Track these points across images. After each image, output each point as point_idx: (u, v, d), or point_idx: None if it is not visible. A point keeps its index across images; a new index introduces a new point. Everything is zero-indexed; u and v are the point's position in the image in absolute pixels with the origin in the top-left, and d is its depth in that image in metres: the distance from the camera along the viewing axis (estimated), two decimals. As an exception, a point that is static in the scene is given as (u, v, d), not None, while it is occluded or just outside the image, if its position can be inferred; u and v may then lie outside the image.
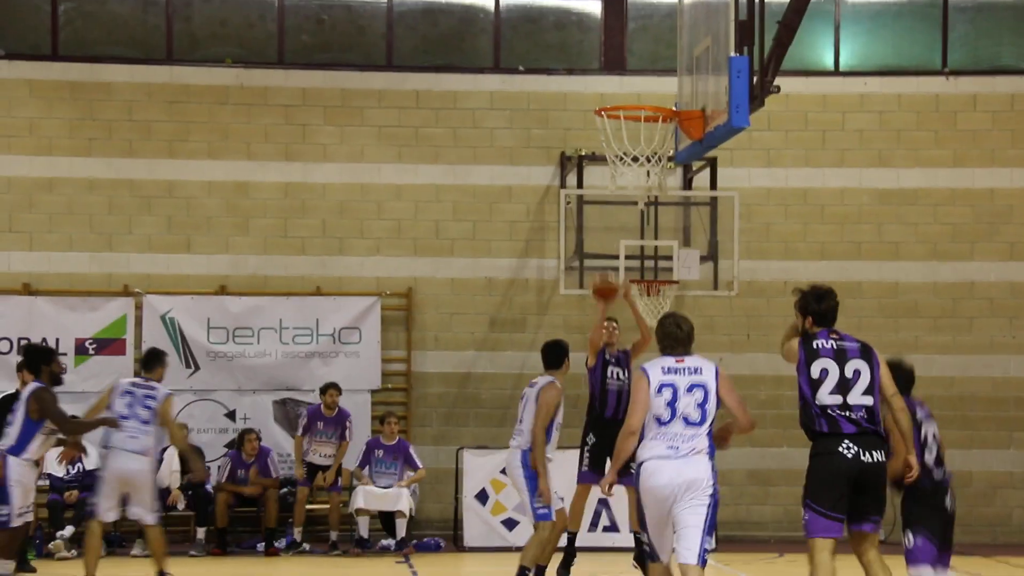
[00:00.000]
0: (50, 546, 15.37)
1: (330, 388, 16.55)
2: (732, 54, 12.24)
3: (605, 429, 12.28)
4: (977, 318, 18.31)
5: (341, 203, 18.18)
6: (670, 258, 16.51)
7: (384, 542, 16.08)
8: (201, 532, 16.15)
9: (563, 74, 18.52)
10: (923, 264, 18.36)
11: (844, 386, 8.77)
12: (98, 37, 18.41)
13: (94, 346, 17.40)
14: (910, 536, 9.02)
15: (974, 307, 18.34)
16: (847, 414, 8.65)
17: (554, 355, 11.57)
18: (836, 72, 18.66)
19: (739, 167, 17.96)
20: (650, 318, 16.34)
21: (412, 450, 16.42)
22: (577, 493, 12.57)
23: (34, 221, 17.77)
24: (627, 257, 16.37)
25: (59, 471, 16.17)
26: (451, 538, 16.82)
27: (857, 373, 8.83)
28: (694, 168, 17.53)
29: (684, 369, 8.85)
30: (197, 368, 17.47)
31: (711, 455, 8.65)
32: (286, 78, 18.23)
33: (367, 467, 16.24)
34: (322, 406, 16.55)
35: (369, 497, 16.01)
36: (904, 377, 9.24)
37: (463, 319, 18.10)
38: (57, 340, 17.24)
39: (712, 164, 17.11)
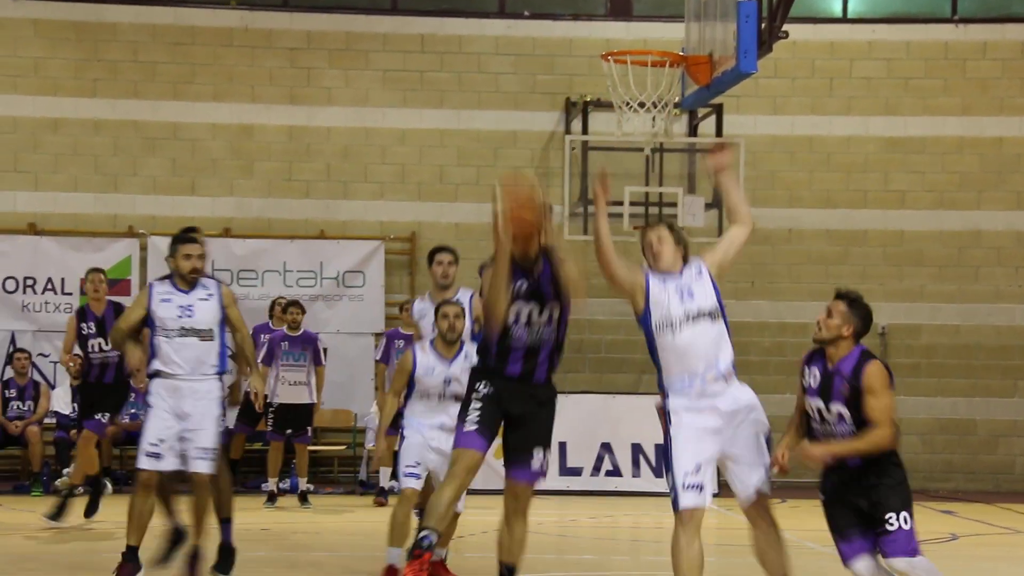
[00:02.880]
0: (56, 483, 15.43)
1: (291, 306, 15.06)
2: (740, -1, 12.17)
3: None
4: (983, 267, 18.30)
5: (345, 147, 18.15)
6: (675, 205, 16.50)
7: (387, 484, 15.85)
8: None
9: (569, 19, 18.42)
10: (929, 213, 18.34)
11: None
12: (103, -23, 18.32)
13: (99, 287, 17.40)
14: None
15: (980, 256, 18.33)
16: None
17: None
18: (844, 19, 18.56)
19: (745, 114, 17.90)
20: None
21: None
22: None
23: (39, 161, 17.75)
24: (632, 203, 16.35)
25: (65, 409, 16.24)
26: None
27: None
28: (700, 115, 17.48)
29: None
30: (201, 310, 17.48)
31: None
32: (291, 21, 18.15)
33: (389, 360, 13.81)
34: (285, 327, 14.98)
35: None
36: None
37: (467, 264, 17.85)
38: (62, 280, 17.30)
39: (718, 111, 17.06)
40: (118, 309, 12.44)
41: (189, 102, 17.93)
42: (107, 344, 12.61)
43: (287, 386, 14.85)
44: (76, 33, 17.84)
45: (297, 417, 14.93)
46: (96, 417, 12.78)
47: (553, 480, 14.40)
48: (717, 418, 7.30)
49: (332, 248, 17.81)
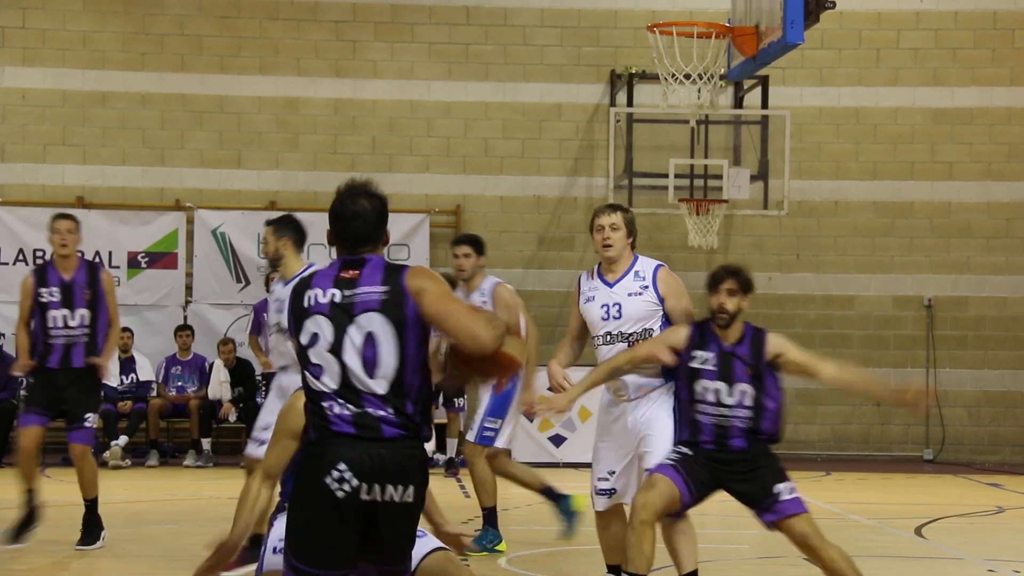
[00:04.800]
0: (105, 455, 15.60)
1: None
2: (787, -31, 12.09)
3: None
4: (1031, 238, 18.17)
5: (391, 120, 18.18)
6: (720, 177, 16.45)
7: (435, 457, 16.07)
8: (252, 444, 16.35)
9: (614, -9, 18.36)
10: (977, 184, 18.21)
11: None
12: (149, -49, 18.39)
13: (146, 259, 17.57)
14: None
15: (1028, 228, 18.19)
16: None
17: None
18: (891, -11, 18.41)
19: (791, 86, 17.81)
20: (699, 237, 16.34)
21: None
22: None
23: (87, 135, 17.89)
24: (677, 176, 16.32)
25: (113, 382, 16.40)
26: (499, 453, 16.93)
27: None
28: (745, 87, 17.40)
29: None
30: (247, 283, 17.61)
31: None
32: (336, -7, 18.19)
33: None
34: None
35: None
36: None
37: (512, 237, 18.12)
38: (110, 253, 17.44)
39: (764, 82, 16.98)
40: (93, 271, 9.69)
41: (235, 75, 18.01)
42: (73, 319, 9.54)
43: None
44: (124, 7, 17.93)
45: None
46: (39, 418, 9.56)
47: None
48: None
49: (377, 221, 17.85)
